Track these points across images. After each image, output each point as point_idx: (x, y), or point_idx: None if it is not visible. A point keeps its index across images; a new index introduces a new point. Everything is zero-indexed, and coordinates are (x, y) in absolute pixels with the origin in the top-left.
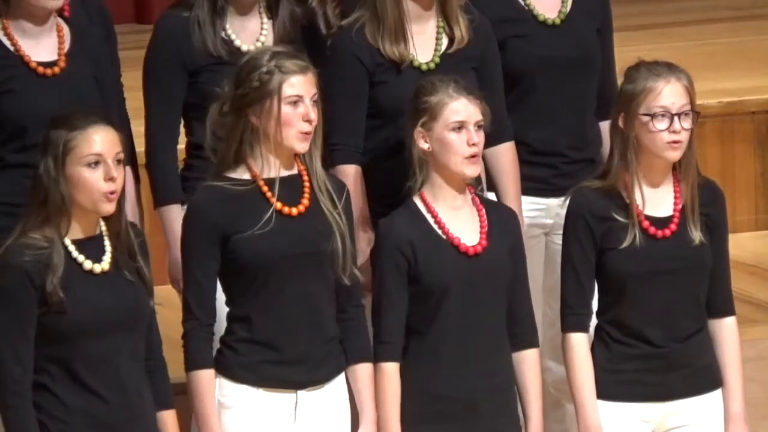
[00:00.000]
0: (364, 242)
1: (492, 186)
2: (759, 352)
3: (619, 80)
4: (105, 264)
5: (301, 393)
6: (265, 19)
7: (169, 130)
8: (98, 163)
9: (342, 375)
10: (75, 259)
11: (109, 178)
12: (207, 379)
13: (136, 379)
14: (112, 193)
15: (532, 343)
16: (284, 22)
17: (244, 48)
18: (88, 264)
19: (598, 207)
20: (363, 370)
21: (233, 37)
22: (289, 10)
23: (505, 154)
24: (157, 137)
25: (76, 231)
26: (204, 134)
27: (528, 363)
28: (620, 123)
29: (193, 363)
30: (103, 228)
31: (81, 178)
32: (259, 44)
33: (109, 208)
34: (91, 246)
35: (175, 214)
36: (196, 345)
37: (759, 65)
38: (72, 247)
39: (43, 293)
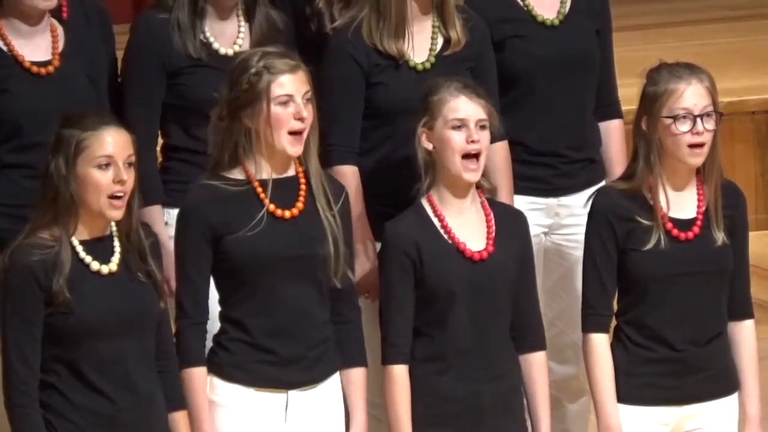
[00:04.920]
0: (363, 256)
1: None
2: (759, 352)
3: (620, 80)
4: (113, 265)
5: (292, 393)
6: (243, 22)
7: (149, 131)
8: (109, 165)
9: (336, 375)
10: (82, 260)
11: (119, 181)
12: (199, 377)
13: (148, 381)
14: (119, 196)
15: (540, 345)
16: (261, 26)
17: (222, 51)
18: (95, 265)
19: (622, 208)
20: (356, 375)
21: (212, 40)
22: (264, 13)
23: (498, 152)
24: (137, 138)
25: (85, 231)
26: (181, 136)
27: (536, 365)
28: (643, 125)
29: (185, 360)
30: (114, 229)
31: (90, 178)
32: (237, 47)
33: (116, 214)
34: (99, 247)
35: (157, 215)
36: (188, 342)
37: (759, 65)
38: (80, 248)
39: (49, 293)
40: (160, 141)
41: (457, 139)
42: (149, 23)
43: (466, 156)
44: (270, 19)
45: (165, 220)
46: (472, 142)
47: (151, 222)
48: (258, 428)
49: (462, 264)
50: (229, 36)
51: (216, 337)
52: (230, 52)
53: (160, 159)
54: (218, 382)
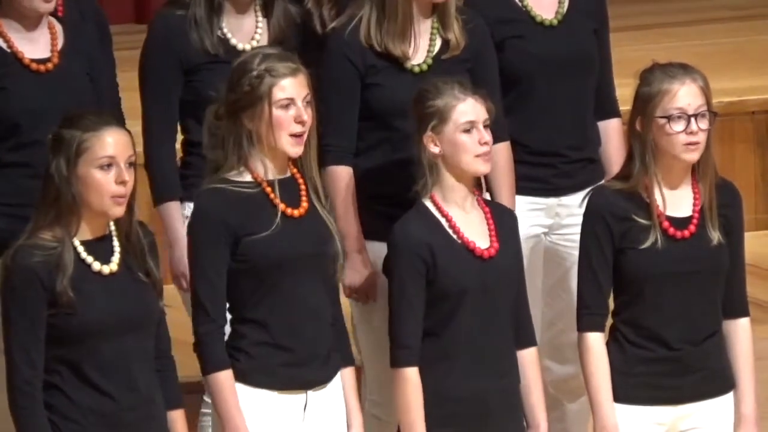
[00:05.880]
0: (359, 263)
1: (486, 184)
2: (759, 352)
3: (620, 81)
4: (113, 265)
5: (310, 393)
6: (260, 18)
7: (166, 128)
8: (111, 165)
9: (338, 374)
10: (84, 260)
11: (121, 181)
12: (229, 380)
13: (148, 380)
14: (121, 196)
15: (532, 341)
16: (278, 21)
17: (240, 47)
18: (96, 265)
19: (618, 207)
20: (350, 374)
21: (229, 36)
22: (282, 8)
23: (501, 153)
24: (154, 136)
25: (86, 232)
26: (200, 132)
27: (530, 362)
28: (637, 126)
29: (213, 365)
30: (113, 228)
31: (92, 179)
32: (254, 43)
33: (119, 211)
34: (99, 247)
35: (175, 211)
36: (214, 346)
37: (759, 65)
38: (81, 248)
39: (52, 294)
40: (180, 137)
41: (470, 142)
42: (166, 20)
43: (477, 156)
44: (288, 13)
45: (185, 215)
46: (485, 143)
47: (169, 217)
48: (279, 430)
49: (473, 263)
50: (246, 31)
51: (232, 343)
52: (248, 47)
53: (180, 154)
54: (242, 388)
